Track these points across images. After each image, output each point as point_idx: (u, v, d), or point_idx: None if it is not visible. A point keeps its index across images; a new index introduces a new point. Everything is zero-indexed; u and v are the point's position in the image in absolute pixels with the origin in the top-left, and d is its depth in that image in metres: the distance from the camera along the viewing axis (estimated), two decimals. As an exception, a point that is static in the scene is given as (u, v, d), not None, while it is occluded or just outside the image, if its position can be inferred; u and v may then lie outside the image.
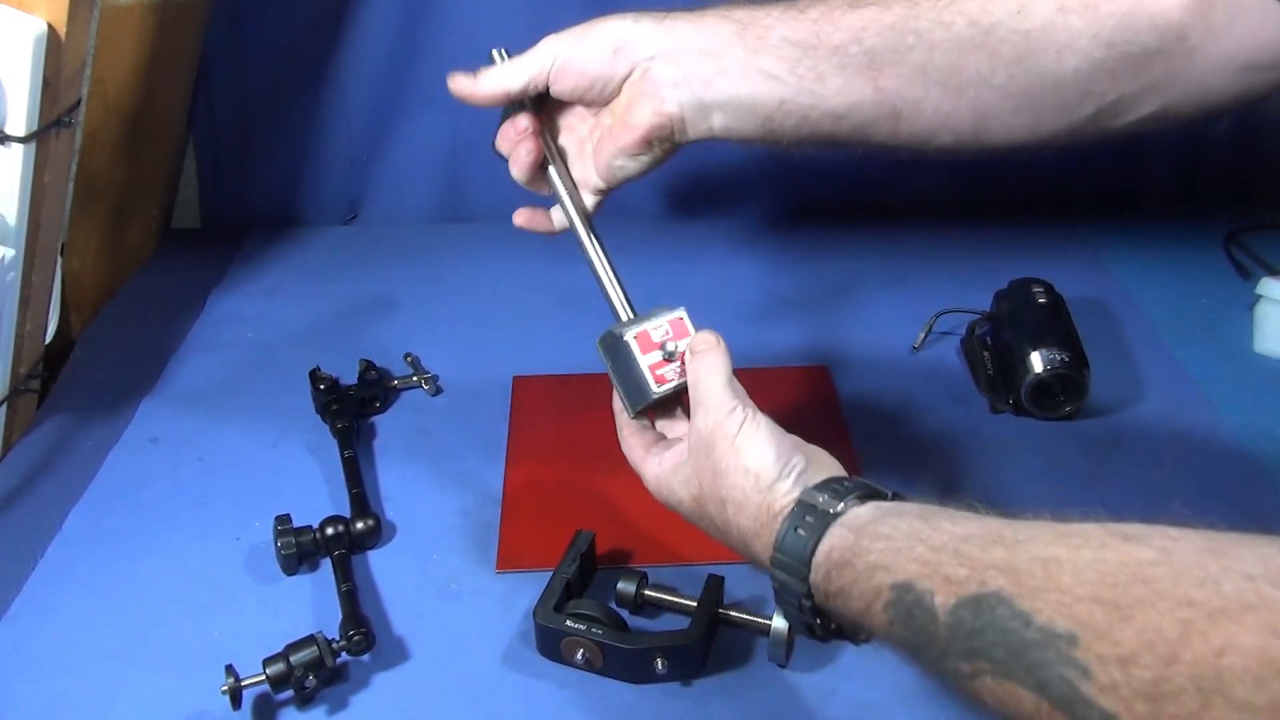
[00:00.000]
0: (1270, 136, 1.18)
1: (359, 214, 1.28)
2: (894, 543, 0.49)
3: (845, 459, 0.59)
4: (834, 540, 0.52)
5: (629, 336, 0.63)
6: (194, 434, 0.91)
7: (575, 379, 0.97)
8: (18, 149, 0.80)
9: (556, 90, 0.65)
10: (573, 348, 1.00)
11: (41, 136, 0.81)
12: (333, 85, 1.19)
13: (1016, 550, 0.44)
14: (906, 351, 1.00)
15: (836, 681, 0.67)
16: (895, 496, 0.54)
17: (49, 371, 0.98)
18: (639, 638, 0.67)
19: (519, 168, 0.67)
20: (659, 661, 0.66)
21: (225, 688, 0.64)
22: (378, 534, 0.78)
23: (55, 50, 0.79)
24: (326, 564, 0.76)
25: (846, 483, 0.55)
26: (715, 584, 0.71)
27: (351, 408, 0.91)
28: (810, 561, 0.52)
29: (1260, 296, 0.98)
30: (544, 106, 0.68)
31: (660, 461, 0.63)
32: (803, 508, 0.54)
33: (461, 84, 0.66)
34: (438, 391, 0.96)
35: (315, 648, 0.66)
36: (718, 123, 0.64)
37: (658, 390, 0.63)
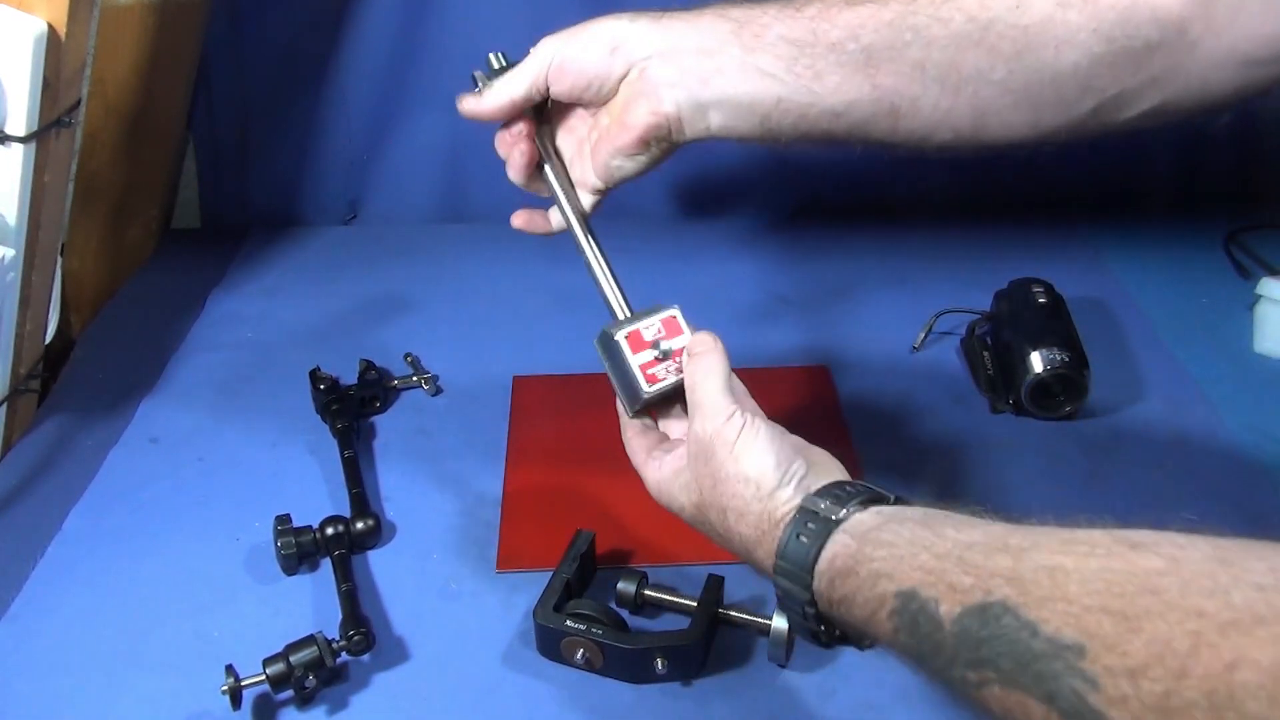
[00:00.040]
0: (1270, 136, 1.18)
1: (359, 214, 1.28)
2: (897, 550, 0.48)
3: (845, 459, 0.59)
4: (837, 548, 0.52)
5: (619, 335, 0.63)
6: (194, 434, 0.91)
7: (575, 379, 0.97)
8: (18, 149, 0.80)
9: (555, 91, 0.65)
10: (573, 348, 1.00)
11: (41, 136, 0.81)
12: (333, 85, 1.19)
13: (1021, 558, 0.43)
14: (906, 351, 1.00)
15: (836, 681, 0.67)
16: (898, 500, 0.54)
17: (49, 371, 0.98)
18: (639, 638, 0.67)
19: (514, 169, 0.68)
20: (659, 661, 0.66)
21: (225, 688, 0.64)
22: (378, 534, 0.78)
23: (55, 50, 0.79)
24: (326, 564, 0.76)
25: (848, 487, 0.55)
26: (715, 584, 0.71)
27: (351, 408, 0.91)
28: (813, 569, 0.52)
29: (1260, 296, 0.98)
30: (543, 110, 0.68)
31: (660, 466, 0.62)
32: (804, 514, 0.54)
33: (468, 104, 0.67)
34: (438, 391, 0.96)
35: (315, 648, 0.66)
36: (715, 122, 0.64)
37: (649, 390, 0.62)
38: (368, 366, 0.93)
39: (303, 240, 1.23)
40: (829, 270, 1.14)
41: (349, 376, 0.93)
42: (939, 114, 0.62)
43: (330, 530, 0.76)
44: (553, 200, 0.68)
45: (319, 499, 0.83)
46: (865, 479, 0.57)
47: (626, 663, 0.67)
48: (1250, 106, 0.62)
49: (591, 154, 0.67)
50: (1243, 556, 0.38)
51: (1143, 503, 0.81)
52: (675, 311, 0.64)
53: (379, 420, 0.93)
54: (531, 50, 0.66)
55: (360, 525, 0.77)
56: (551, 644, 0.68)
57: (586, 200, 0.68)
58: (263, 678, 0.65)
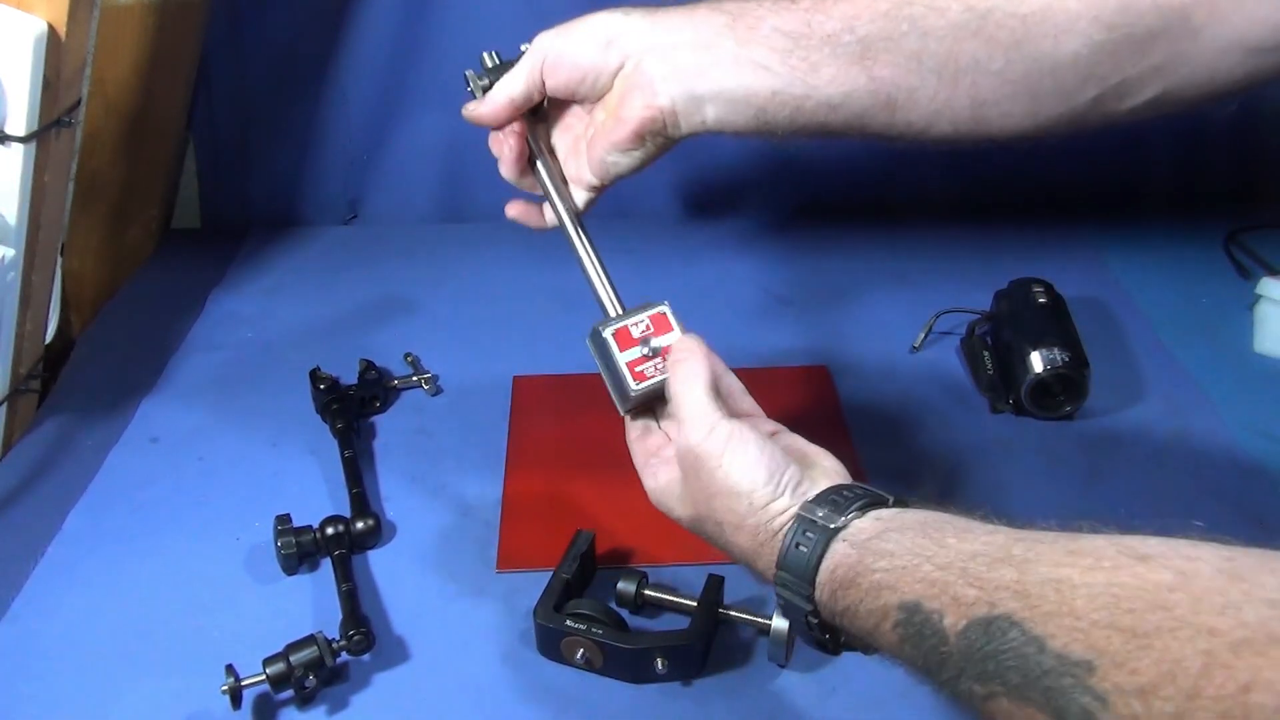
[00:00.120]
0: (1270, 135, 1.18)
1: (359, 214, 1.28)
2: (898, 560, 0.48)
3: (845, 460, 0.59)
4: (837, 558, 0.51)
5: (607, 333, 0.62)
6: (194, 434, 0.91)
7: (575, 379, 0.96)
8: (18, 149, 0.80)
9: (550, 85, 0.65)
10: (573, 348, 0.99)
11: (41, 136, 0.81)
12: (333, 85, 1.20)
13: (1026, 570, 0.43)
14: (906, 351, 1.00)
15: (836, 681, 0.67)
16: (897, 501, 0.54)
17: (49, 371, 0.98)
18: (639, 637, 0.67)
19: (505, 165, 0.67)
20: (659, 661, 0.66)
21: (225, 688, 0.64)
22: (378, 534, 0.78)
23: (55, 50, 0.79)
24: (326, 564, 0.76)
25: (845, 492, 0.54)
26: (715, 584, 0.71)
27: (351, 408, 0.91)
28: (814, 580, 0.52)
29: (1260, 296, 0.98)
30: (538, 108, 0.68)
31: (657, 476, 0.61)
32: (802, 523, 0.53)
33: (470, 109, 0.66)
34: (438, 391, 0.96)
35: (315, 648, 0.66)
36: (710, 115, 0.63)
37: (636, 388, 0.62)
38: (368, 366, 0.93)
39: (303, 240, 1.23)
40: (829, 270, 1.14)
41: (349, 376, 0.93)
42: (937, 105, 0.61)
43: (330, 530, 0.76)
44: (545, 197, 0.68)
45: (319, 499, 0.83)
46: (865, 479, 0.56)
47: (626, 662, 0.67)
48: (1251, 106, 0.61)
49: (588, 150, 0.67)
50: (1255, 571, 0.37)
51: (1143, 503, 0.81)
52: (664, 308, 0.63)
53: (379, 420, 0.93)
54: (524, 47, 0.66)
55: (360, 525, 0.77)
56: (551, 644, 0.68)
57: (581, 197, 0.68)
58: (263, 678, 0.65)
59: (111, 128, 1.04)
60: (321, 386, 0.91)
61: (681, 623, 0.70)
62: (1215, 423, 0.89)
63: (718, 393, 0.60)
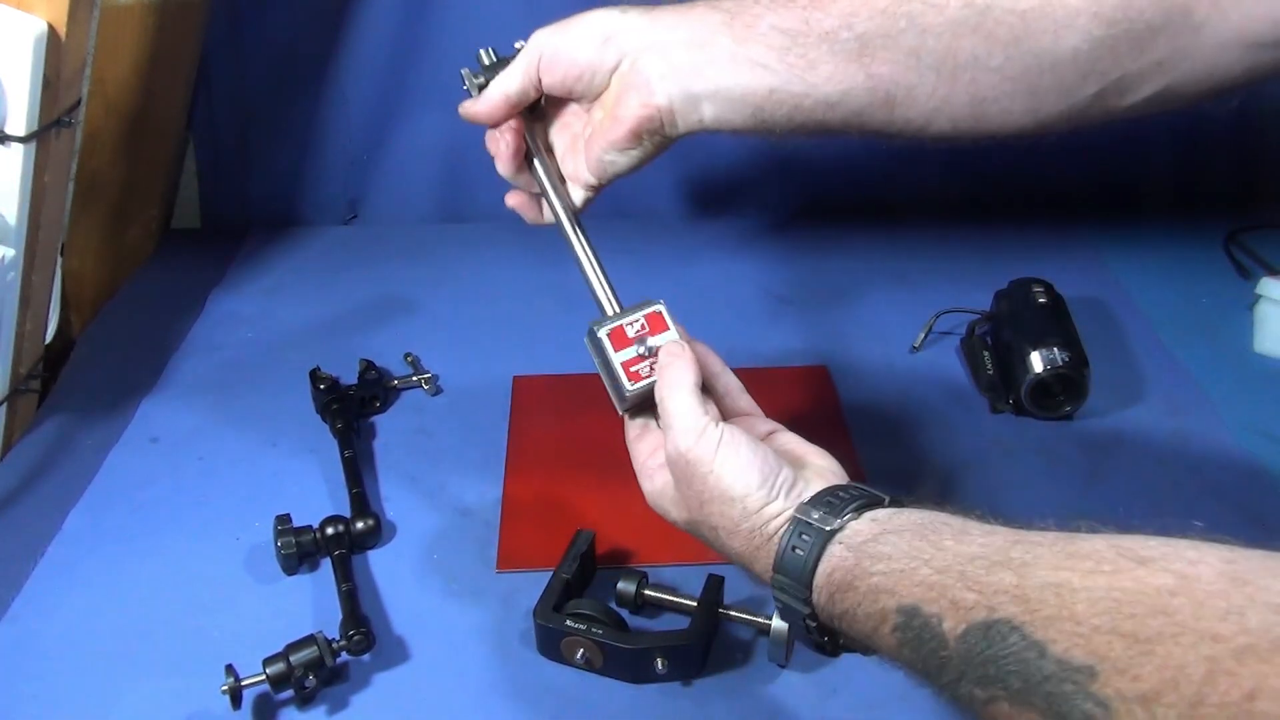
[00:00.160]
0: (1271, 135, 1.18)
1: (359, 214, 1.28)
2: (895, 564, 0.48)
3: (845, 459, 0.59)
4: (834, 561, 0.51)
5: (602, 333, 0.62)
6: (194, 434, 0.91)
7: (575, 379, 0.96)
8: (18, 149, 0.80)
9: (546, 83, 0.65)
10: (573, 348, 0.99)
11: (41, 136, 0.81)
12: (333, 85, 1.20)
13: (1025, 574, 0.43)
14: (906, 351, 1.00)
15: (837, 681, 0.67)
16: (893, 501, 0.53)
17: (49, 371, 0.98)
18: (639, 637, 0.67)
19: (501, 162, 0.67)
20: (659, 661, 0.66)
21: (225, 688, 0.64)
22: (378, 534, 0.78)
23: (55, 50, 0.79)
24: (326, 564, 0.76)
25: (841, 493, 0.54)
26: (715, 584, 0.71)
27: (351, 408, 0.91)
28: (811, 583, 0.51)
29: (1260, 296, 0.98)
30: (536, 106, 0.68)
31: (653, 479, 0.61)
32: (798, 525, 0.53)
33: (466, 107, 0.66)
34: (438, 391, 0.96)
35: (315, 647, 0.66)
36: (708, 114, 0.62)
37: (631, 388, 0.61)
38: (368, 366, 0.93)
39: (303, 240, 1.23)
40: (829, 270, 1.14)
41: (349, 376, 0.93)
42: (936, 102, 0.60)
43: (330, 530, 0.76)
44: (543, 196, 0.68)
45: (319, 499, 0.83)
46: (865, 479, 0.56)
47: (626, 662, 0.67)
48: (1250, 106, 0.61)
49: (585, 149, 0.66)
50: (1257, 574, 0.37)
51: (1142, 503, 0.81)
52: (660, 307, 0.63)
53: (379, 420, 0.93)
54: (518, 44, 0.66)
55: (360, 525, 0.77)
56: (551, 644, 0.68)
57: (579, 196, 0.67)
58: (263, 678, 0.65)
59: (111, 128, 1.04)
60: (321, 386, 0.91)
61: (681, 623, 0.70)
62: (1215, 423, 0.89)
63: (708, 395, 0.59)
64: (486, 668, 0.69)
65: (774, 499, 0.54)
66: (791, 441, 0.60)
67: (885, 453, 0.87)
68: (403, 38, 1.17)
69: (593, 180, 0.67)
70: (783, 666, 0.68)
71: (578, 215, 0.67)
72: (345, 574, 0.74)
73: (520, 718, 0.66)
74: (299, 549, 0.75)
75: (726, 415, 0.61)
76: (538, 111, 0.68)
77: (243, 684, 0.64)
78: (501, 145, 0.66)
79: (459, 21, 1.15)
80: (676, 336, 0.62)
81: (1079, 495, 0.82)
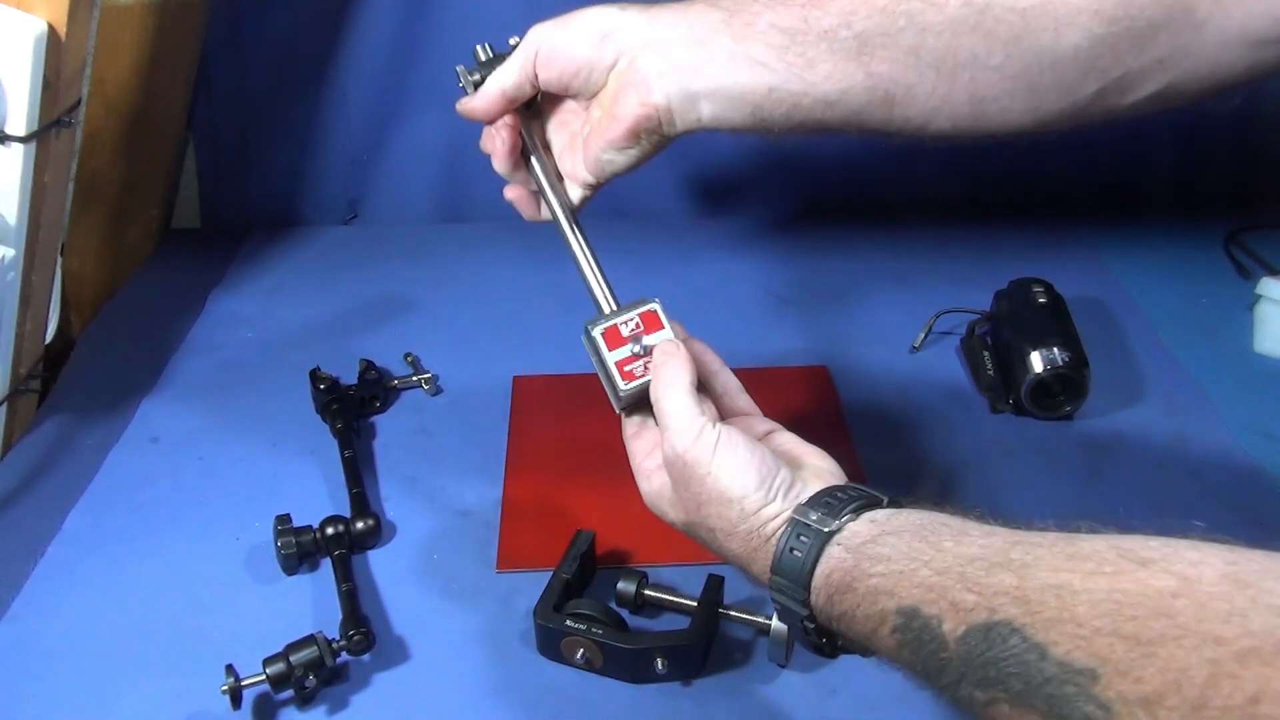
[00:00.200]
0: (1271, 135, 1.18)
1: (359, 214, 1.28)
2: (894, 565, 0.48)
3: (845, 460, 0.59)
4: (832, 562, 0.51)
5: (596, 332, 0.61)
6: (194, 434, 0.91)
7: (575, 379, 0.96)
8: (18, 149, 0.80)
9: (543, 79, 0.64)
10: (573, 348, 0.98)
11: (41, 136, 0.81)
12: (333, 85, 1.20)
13: (1025, 575, 0.42)
14: (906, 351, 1.00)
15: (836, 682, 0.67)
16: (891, 502, 0.53)
17: (49, 371, 0.98)
18: (639, 637, 0.67)
19: (498, 159, 0.67)
20: (659, 661, 0.66)
21: (225, 688, 0.64)
22: (378, 534, 0.78)
23: (55, 50, 0.79)
24: (326, 564, 0.76)
25: (839, 494, 0.54)
26: (715, 584, 0.71)
27: (351, 408, 0.91)
28: (809, 584, 0.51)
29: (1260, 296, 0.98)
30: (533, 103, 0.67)
31: (650, 480, 0.61)
32: (796, 526, 0.52)
33: (463, 104, 0.66)
34: (438, 391, 0.96)
35: (315, 647, 0.66)
36: (706, 112, 0.62)
37: (625, 387, 0.61)
38: (368, 366, 0.93)
39: (303, 240, 1.23)
40: (829, 270, 1.14)
41: (349, 376, 0.93)
42: (935, 101, 0.60)
43: (330, 530, 0.76)
44: (540, 193, 0.68)
45: (319, 499, 0.83)
46: (865, 479, 0.56)
47: (626, 662, 0.67)
48: (1250, 105, 0.61)
49: (583, 147, 0.66)
50: (1260, 576, 0.37)
51: (1142, 503, 0.81)
52: (655, 305, 0.62)
53: (379, 420, 0.93)
54: (513, 40, 0.65)
55: (360, 525, 0.77)
56: (551, 644, 0.68)
57: (576, 194, 0.67)
58: (263, 678, 0.65)
59: (111, 128, 1.04)
60: (321, 386, 0.91)
61: (681, 623, 0.70)
62: (1215, 423, 0.89)
63: (706, 393, 0.59)
64: (486, 668, 0.69)
65: (772, 500, 0.54)
66: (789, 441, 0.60)
67: (885, 453, 0.87)
68: (403, 38, 1.17)
69: (590, 179, 0.66)
70: (783, 666, 0.68)
71: (575, 213, 0.67)
72: (345, 574, 0.74)
73: (520, 718, 0.66)
74: (299, 549, 0.75)
75: (725, 414, 0.61)
76: (535, 108, 0.68)
77: (243, 684, 0.64)
78: (497, 142, 0.66)
79: (459, 21, 1.15)
80: (671, 335, 0.61)
81: (1079, 495, 0.82)
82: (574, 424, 0.91)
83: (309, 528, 0.76)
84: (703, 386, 0.61)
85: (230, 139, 1.23)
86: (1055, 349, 0.89)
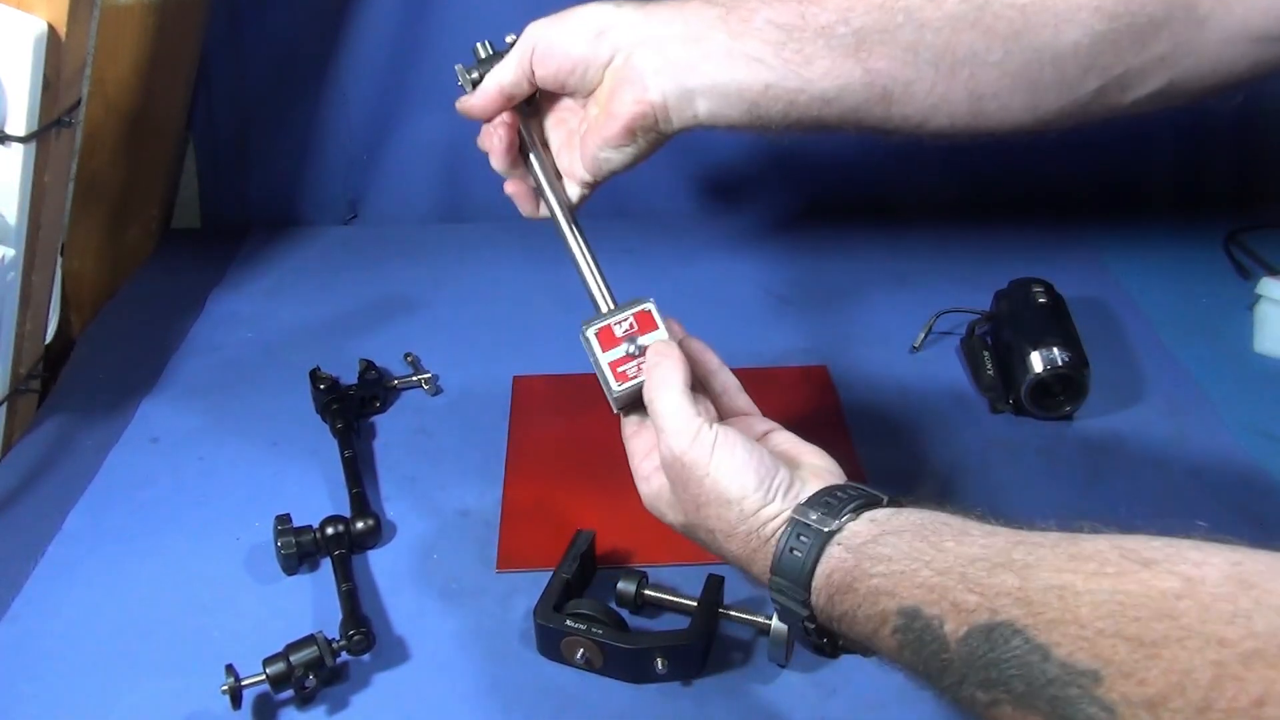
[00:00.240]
0: (1271, 135, 1.18)
1: (359, 214, 1.28)
2: (895, 565, 0.47)
3: (845, 460, 0.59)
4: (833, 563, 0.50)
5: (590, 332, 0.61)
6: (194, 434, 0.91)
7: (575, 379, 0.96)
8: (18, 149, 0.80)
9: (539, 76, 0.64)
10: (573, 348, 0.98)
11: (41, 136, 0.81)
12: (333, 85, 1.20)
13: (1027, 576, 0.42)
14: (906, 351, 1.00)
15: (837, 682, 0.67)
16: (891, 501, 0.53)
17: (49, 371, 0.98)
18: (639, 637, 0.67)
19: (495, 156, 0.66)
20: (659, 661, 0.66)
21: (225, 688, 0.64)
22: (378, 534, 0.78)
23: (55, 50, 0.79)
24: (326, 564, 0.76)
25: (839, 494, 0.53)
26: (715, 584, 0.71)
27: (351, 408, 0.91)
28: (809, 585, 0.51)
29: (1260, 296, 0.98)
30: (531, 100, 0.67)
31: (649, 482, 0.61)
32: (796, 526, 0.52)
33: (462, 102, 0.66)
34: (438, 391, 0.96)
35: (315, 647, 0.66)
36: (702, 109, 0.61)
37: (618, 388, 0.60)
38: (368, 366, 0.93)
39: (303, 240, 1.23)
40: (829, 270, 1.14)
41: (349, 376, 0.93)
42: (934, 98, 0.59)
43: (330, 530, 0.76)
44: (538, 191, 0.68)
45: (319, 499, 0.83)
46: (865, 479, 0.56)
47: (626, 662, 0.67)
48: (1251, 105, 0.61)
49: (580, 145, 0.65)
50: (1264, 577, 0.37)
51: (1143, 503, 0.81)
52: (649, 305, 0.62)
53: (379, 420, 0.93)
54: (510, 38, 0.65)
55: (360, 525, 0.77)
56: (551, 644, 0.68)
57: (574, 192, 0.67)
58: (263, 678, 0.65)
59: (111, 128, 1.04)
60: (321, 386, 0.91)
61: (681, 623, 0.70)
62: (1215, 423, 0.89)
63: (705, 393, 0.59)
64: (486, 668, 0.69)
65: (771, 500, 0.54)
66: (788, 441, 0.60)
67: (885, 453, 0.87)
68: (403, 38, 1.17)
69: (588, 177, 0.66)
70: (783, 666, 0.68)
71: (573, 212, 0.67)
72: (345, 574, 0.74)
73: (520, 718, 0.66)
74: (299, 549, 0.75)
75: (724, 414, 0.61)
76: (533, 106, 0.68)
77: (243, 684, 0.64)
78: (495, 140, 0.66)
79: (459, 21, 1.15)
80: (665, 336, 0.61)
81: (1079, 495, 0.82)
82: (574, 424, 0.91)
83: (309, 528, 0.76)
84: (701, 386, 0.61)
85: (230, 139, 1.23)
86: (1055, 349, 0.89)
